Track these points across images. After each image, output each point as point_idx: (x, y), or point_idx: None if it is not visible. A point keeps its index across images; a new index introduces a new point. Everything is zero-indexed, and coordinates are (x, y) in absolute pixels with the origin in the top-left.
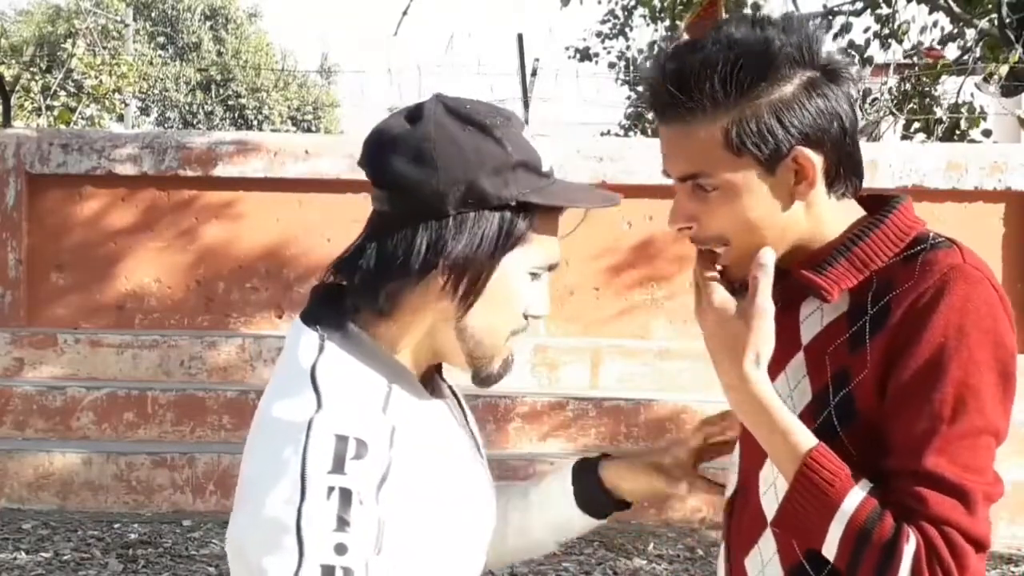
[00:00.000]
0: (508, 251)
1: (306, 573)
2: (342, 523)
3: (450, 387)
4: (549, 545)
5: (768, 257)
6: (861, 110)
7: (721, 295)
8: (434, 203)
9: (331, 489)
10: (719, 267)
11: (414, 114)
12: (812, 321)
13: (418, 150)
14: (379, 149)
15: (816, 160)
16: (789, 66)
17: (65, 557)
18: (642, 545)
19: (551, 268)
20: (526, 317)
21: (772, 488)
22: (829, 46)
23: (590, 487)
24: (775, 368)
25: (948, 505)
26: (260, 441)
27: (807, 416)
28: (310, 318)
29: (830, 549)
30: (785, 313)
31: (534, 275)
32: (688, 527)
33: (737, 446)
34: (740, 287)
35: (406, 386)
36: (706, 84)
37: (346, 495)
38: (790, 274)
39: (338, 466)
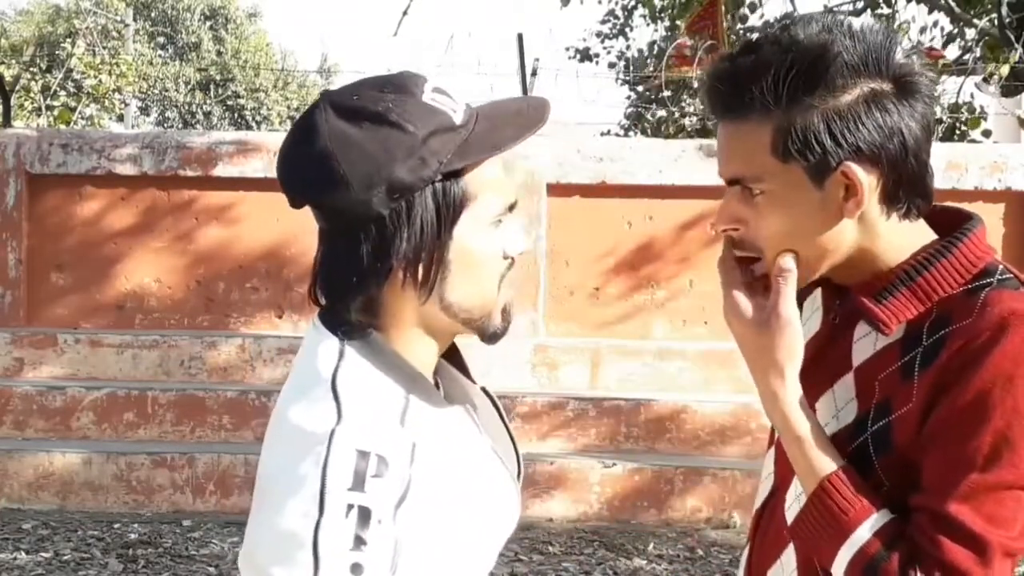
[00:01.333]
0: (456, 219)
1: None
2: (359, 542)
3: (483, 389)
4: None
5: (789, 263)
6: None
7: (744, 305)
8: (361, 212)
9: (350, 507)
10: (757, 272)
11: (306, 131)
12: (865, 343)
13: (322, 169)
14: (288, 179)
15: (865, 178)
16: (849, 75)
17: (65, 557)
18: (642, 545)
19: (511, 207)
20: (507, 258)
21: (796, 503)
22: (904, 55)
23: None
24: (822, 385)
25: (962, 555)
26: (279, 447)
27: (845, 438)
28: (330, 320)
29: (838, 572)
30: (840, 331)
31: (498, 221)
32: (688, 527)
33: (771, 455)
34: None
35: (423, 395)
36: (757, 86)
37: (365, 514)
38: (849, 292)
39: (358, 484)
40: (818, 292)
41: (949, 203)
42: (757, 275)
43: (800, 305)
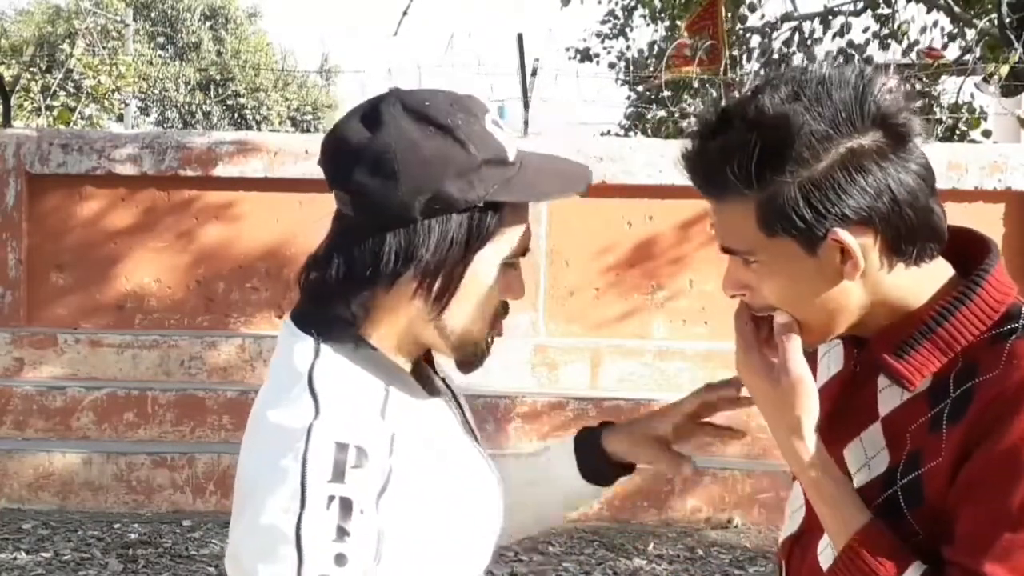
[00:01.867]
0: (479, 250)
1: None
2: (342, 533)
3: (443, 379)
4: (558, 517)
5: (786, 319)
6: None
7: (754, 360)
8: (399, 212)
9: (331, 498)
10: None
11: (372, 119)
12: (891, 393)
13: (379, 161)
14: (339, 158)
15: (856, 243)
16: (819, 143)
17: (65, 557)
18: (642, 545)
19: (524, 253)
20: (503, 301)
21: (829, 548)
22: (884, 98)
23: (593, 458)
24: (849, 434)
25: None
26: (257, 447)
27: (876, 487)
28: (303, 320)
29: None
30: (863, 380)
31: (508, 264)
32: (688, 527)
33: (799, 487)
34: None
35: (403, 388)
36: (729, 169)
37: (346, 504)
38: (868, 344)
39: (338, 475)
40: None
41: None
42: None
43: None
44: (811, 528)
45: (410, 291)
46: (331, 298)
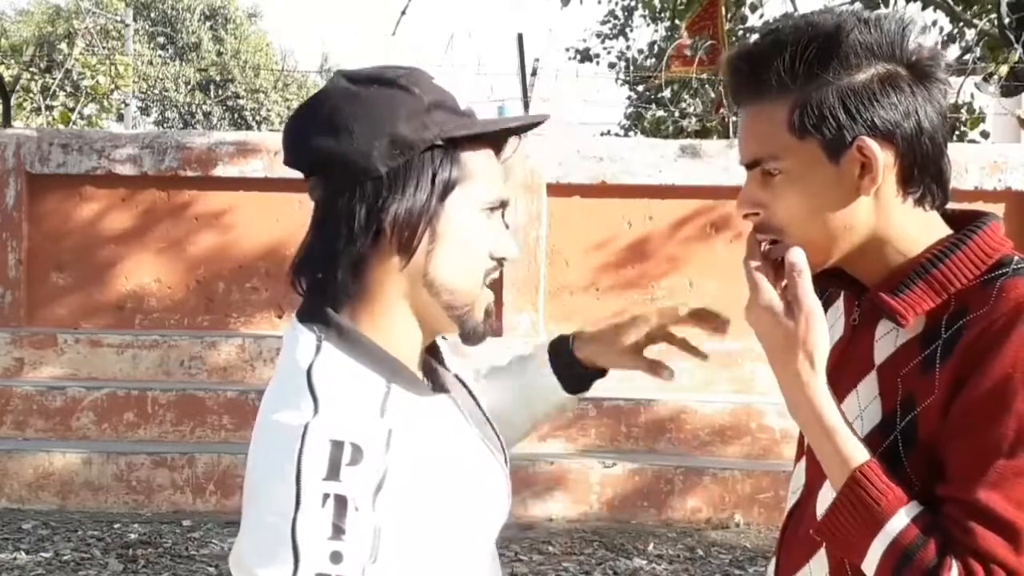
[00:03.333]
0: (449, 191)
1: None
2: (338, 531)
3: (456, 376)
4: (528, 427)
5: (798, 255)
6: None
7: (769, 295)
8: (361, 164)
9: (326, 496)
10: (774, 257)
11: (317, 95)
12: (887, 341)
13: (329, 120)
14: (294, 135)
15: (880, 154)
16: (863, 54)
17: (65, 557)
18: (642, 545)
19: (503, 204)
20: (495, 260)
21: (831, 494)
22: (920, 43)
23: (568, 366)
24: (847, 386)
25: (995, 541)
26: (260, 446)
27: (875, 438)
28: (306, 316)
29: (870, 566)
30: (860, 331)
31: (489, 211)
32: (688, 527)
33: (803, 466)
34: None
35: (405, 384)
36: (774, 63)
37: (341, 502)
38: (867, 292)
39: (333, 472)
40: (839, 303)
41: (960, 206)
42: (776, 261)
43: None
44: (812, 491)
45: (389, 250)
46: (319, 277)
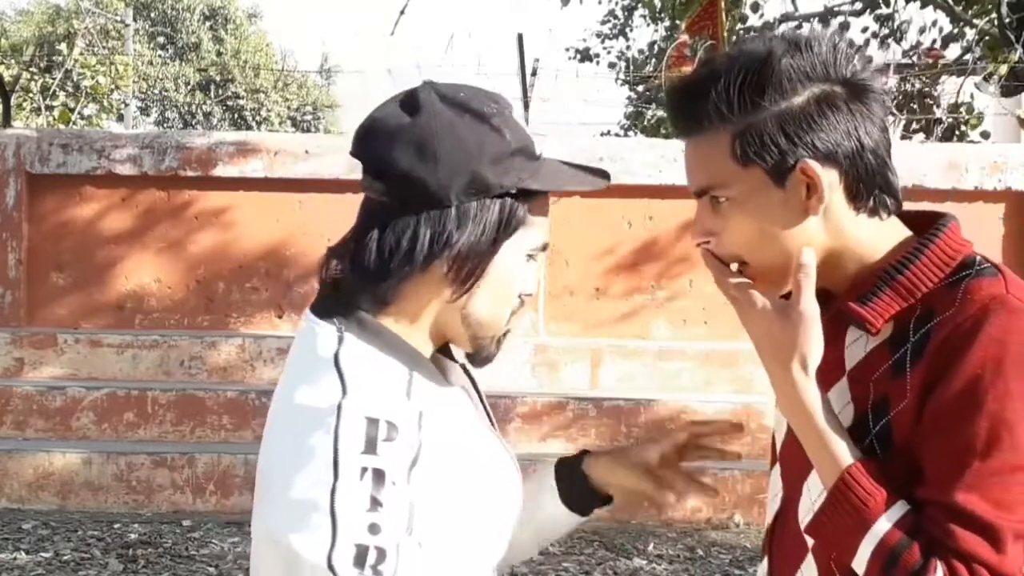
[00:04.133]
0: (507, 238)
1: (340, 551)
2: (375, 503)
3: (463, 367)
4: (531, 549)
5: (809, 258)
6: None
7: (762, 300)
8: (437, 195)
9: (364, 470)
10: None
11: (410, 104)
12: (857, 347)
13: (420, 143)
14: (377, 141)
15: (825, 174)
16: (799, 78)
17: (65, 557)
18: (642, 545)
19: (544, 248)
20: (521, 298)
21: (813, 510)
22: (853, 59)
23: (575, 484)
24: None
25: (976, 542)
26: (282, 430)
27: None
28: (323, 311)
29: (859, 565)
30: (830, 340)
31: (530, 256)
32: (688, 527)
33: (777, 472)
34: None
35: (425, 373)
36: (711, 95)
37: (379, 475)
38: (834, 299)
39: (370, 447)
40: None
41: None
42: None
43: None
44: (792, 499)
45: (439, 276)
46: (361, 285)
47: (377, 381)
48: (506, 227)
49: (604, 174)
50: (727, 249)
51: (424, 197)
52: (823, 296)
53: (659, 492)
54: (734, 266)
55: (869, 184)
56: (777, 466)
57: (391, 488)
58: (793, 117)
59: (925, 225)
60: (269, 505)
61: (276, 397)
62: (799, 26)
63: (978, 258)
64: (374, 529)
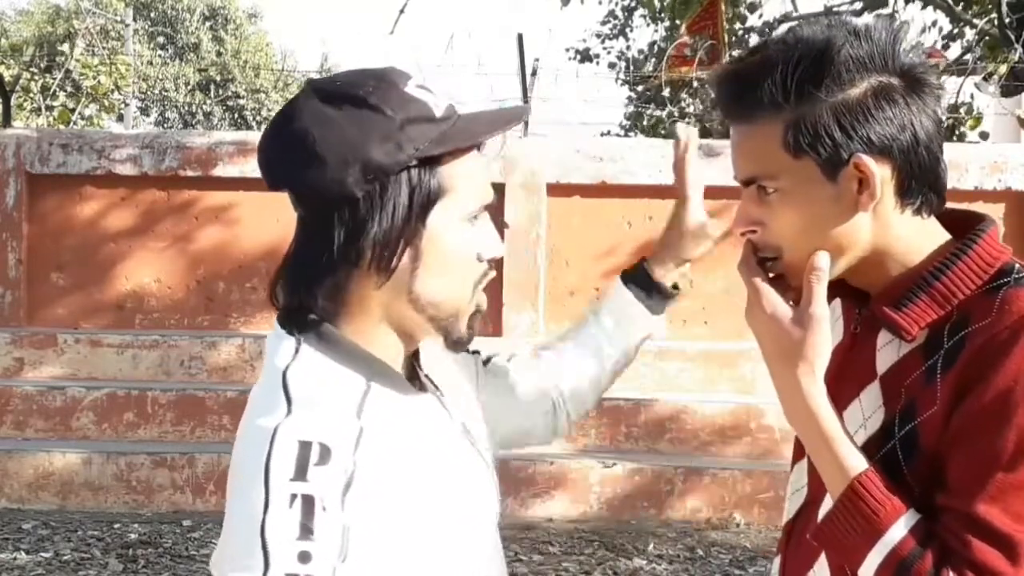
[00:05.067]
0: (429, 208)
1: None
2: (306, 531)
3: (427, 376)
4: (629, 354)
5: (823, 261)
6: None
7: (773, 300)
8: (336, 191)
9: (294, 496)
10: (771, 274)
11: (286, 113)
12: (889, 350)
13: (299, 148)
14: (267, 160)
15: (879, 170)
16: (856, 69)
17: (65, 557)
18: (642, 545)
19: (487, 207)
20: (483, 261)
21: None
22: (909, 51)
23: (646, 291)
24: (849, 395)
25: (992, 555)
26: (238, 450)
27: (873, 445)
28: (286, 321)
29: (867, 573)
30: (862, 340)
31: (474, 218)
32: (688, 527)
33: (803, 467)
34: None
35: (387, 382)
36: (766, 83)
37: (308, 502)
38: (869, 300)
39: (300, 473)
40: (837, 303)
41: (960, 206)
42: (773, 275)
43: None
44: (816, 499)
45: (372, 274)
46: (299, 295)
47: (323, 398)
48: (421, 200)
49: (520, 110)
50: (770, 240)
51: (326, 198)
52: (857, 295)
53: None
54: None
55: (920, 181)
56: (804, 461)
57: (321, 514)
58: (849, 109)
59: (963, 226)
60: (223, 534)
61: (245, 410)
62: (851, 16)
63: (1017, 265)
64: (304, 557)
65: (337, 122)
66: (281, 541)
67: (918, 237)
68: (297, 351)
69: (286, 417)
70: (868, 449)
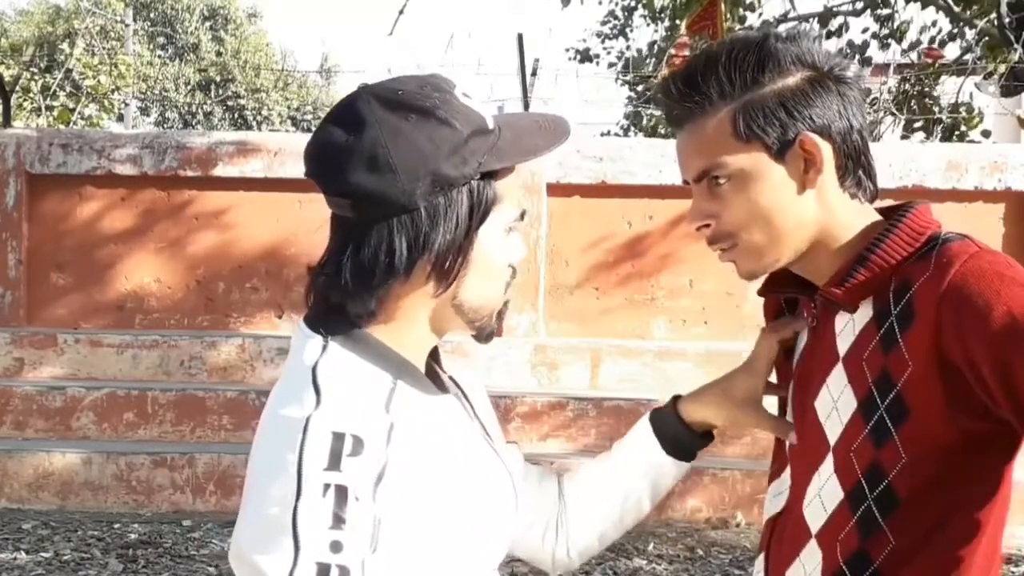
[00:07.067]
0: (483, 221)
1: (301, 571)
2: (338, 520)
3: (451, 377)
4: (645, 505)
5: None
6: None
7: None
8: (403, 202)
9: (327, 486)
10: (727, 260)
11: (351, 120)
12: (847, 332)
13: (372, 158)
14: (329, 164)
15: (822, 144)
16: (793, 62)
17: (65, 557)
18: (642, 545)
19: (522, 217)
20: (512, 267)
21: (817, 499)
22: (830, 52)
23: (673, 428)
24: (817, 383)
25: None
26: (262, 442)
27: (857, 422)
28: (313, 321)
29: None
30: (821, 331)
31: (510, 229)
32: (688, 527)
33: (788, 478)
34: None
35: (412, 382)
36: (711, 77)
37: (342, 492)
38: (818, 291)
39: (334, 463)
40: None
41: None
42: (730, 259)
43: (776, 317)
44: (797, 495)
45: (423, 276)
46: (345, 301)
47: (353, 393)
48: (479, 213)
49: (564, 124)
50: (725, 229)
51: (391, 208)
52: (810, 289)
53: (781, 428)
54: (719, 254)
55: (856, 162)
56: (786, 472)
57: (354, 505)
58: (792, 93)
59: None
60: (241, 522)
61: (267, 405)
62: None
63: (944, 231)
64: (336, 547)
65: (408, 133)
66: (313, 529)
67: (858, 219)
68: (325, 348)
69: (316, 408)
70: (852, 426)
